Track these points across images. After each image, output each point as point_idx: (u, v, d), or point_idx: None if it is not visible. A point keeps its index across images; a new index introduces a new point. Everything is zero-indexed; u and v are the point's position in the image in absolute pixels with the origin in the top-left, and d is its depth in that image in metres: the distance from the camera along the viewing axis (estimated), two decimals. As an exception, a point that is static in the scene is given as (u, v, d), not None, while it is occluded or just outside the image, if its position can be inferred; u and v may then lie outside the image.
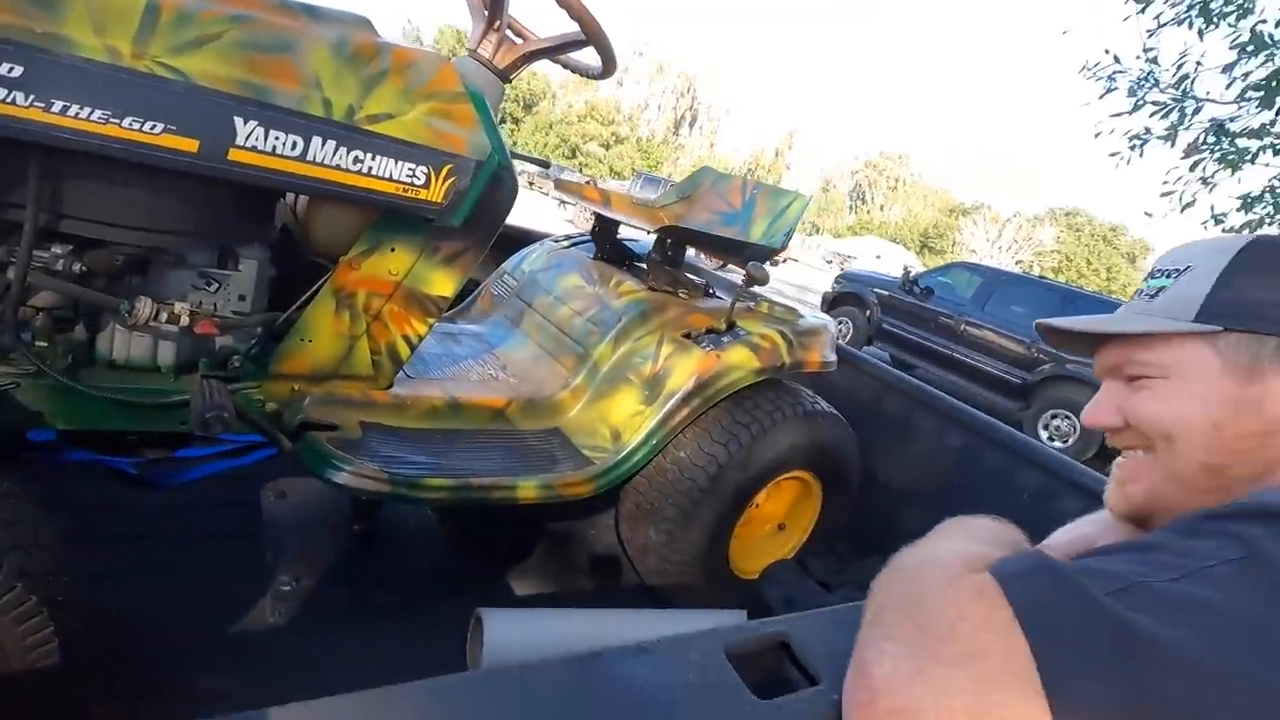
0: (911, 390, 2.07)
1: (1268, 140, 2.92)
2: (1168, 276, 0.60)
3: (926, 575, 0.47)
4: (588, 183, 2.64)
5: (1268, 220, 3.03)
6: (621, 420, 1.53)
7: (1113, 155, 3.33)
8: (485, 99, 1.24)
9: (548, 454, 1.46)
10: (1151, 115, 3.32)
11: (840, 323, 9.17)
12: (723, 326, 1.64)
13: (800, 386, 1.75)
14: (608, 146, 57.47)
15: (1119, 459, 0.63)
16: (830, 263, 38.54)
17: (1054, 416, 6.84)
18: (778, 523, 1.85)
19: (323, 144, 1.05)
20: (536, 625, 1.34)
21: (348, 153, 1.08)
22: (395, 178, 1.14)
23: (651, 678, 0.52)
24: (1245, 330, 0.53)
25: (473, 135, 1.21)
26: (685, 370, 1.52)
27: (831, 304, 9.39)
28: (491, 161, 1.24)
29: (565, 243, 2.14)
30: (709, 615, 1.47)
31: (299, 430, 1.24)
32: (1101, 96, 3.29)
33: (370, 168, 1.11)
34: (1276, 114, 2.97)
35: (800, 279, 23.87)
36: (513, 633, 1.30)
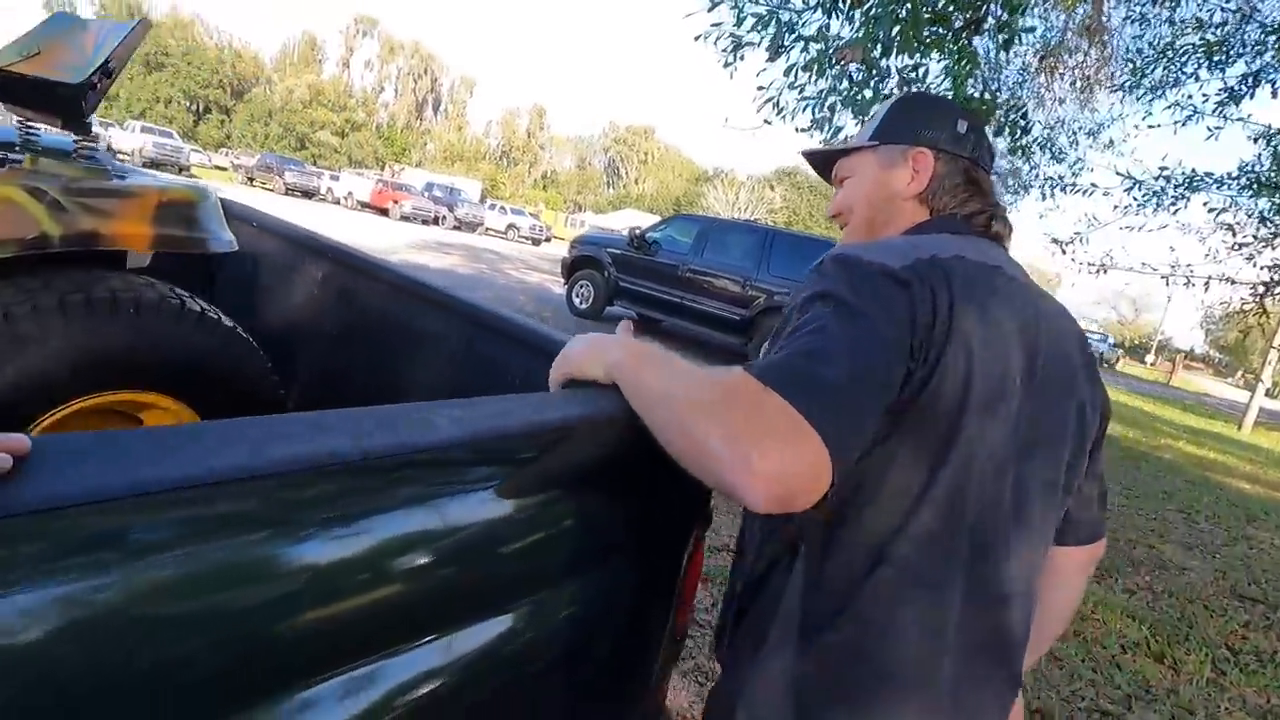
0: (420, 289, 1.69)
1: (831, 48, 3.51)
2: (871, 119, 0.98)
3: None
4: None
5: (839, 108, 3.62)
6: None
7: (726, 66, 3.84)
8: None
9: None
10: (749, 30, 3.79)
11: (581, 286, 9.27)
12: None
13: (154, 280, 1.30)
14: (343, 135, 52.79)
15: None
16: (592, 237, 39.47)
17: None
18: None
19: None
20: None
21: None
22: None
23: None
24: (888, 143, 0.92)
25: None
26: None
27: (570, 269, 9.45)
28: None
29: None
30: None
31: None
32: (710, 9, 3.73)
33: None
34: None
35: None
36: None
